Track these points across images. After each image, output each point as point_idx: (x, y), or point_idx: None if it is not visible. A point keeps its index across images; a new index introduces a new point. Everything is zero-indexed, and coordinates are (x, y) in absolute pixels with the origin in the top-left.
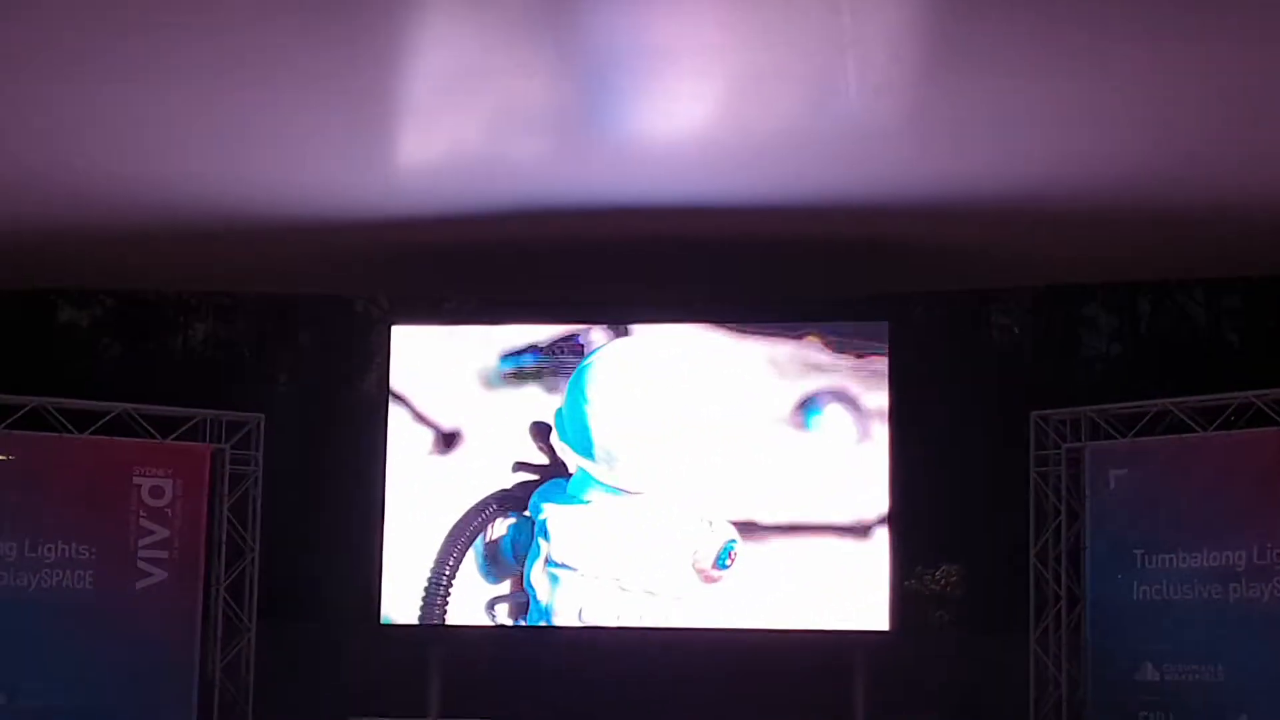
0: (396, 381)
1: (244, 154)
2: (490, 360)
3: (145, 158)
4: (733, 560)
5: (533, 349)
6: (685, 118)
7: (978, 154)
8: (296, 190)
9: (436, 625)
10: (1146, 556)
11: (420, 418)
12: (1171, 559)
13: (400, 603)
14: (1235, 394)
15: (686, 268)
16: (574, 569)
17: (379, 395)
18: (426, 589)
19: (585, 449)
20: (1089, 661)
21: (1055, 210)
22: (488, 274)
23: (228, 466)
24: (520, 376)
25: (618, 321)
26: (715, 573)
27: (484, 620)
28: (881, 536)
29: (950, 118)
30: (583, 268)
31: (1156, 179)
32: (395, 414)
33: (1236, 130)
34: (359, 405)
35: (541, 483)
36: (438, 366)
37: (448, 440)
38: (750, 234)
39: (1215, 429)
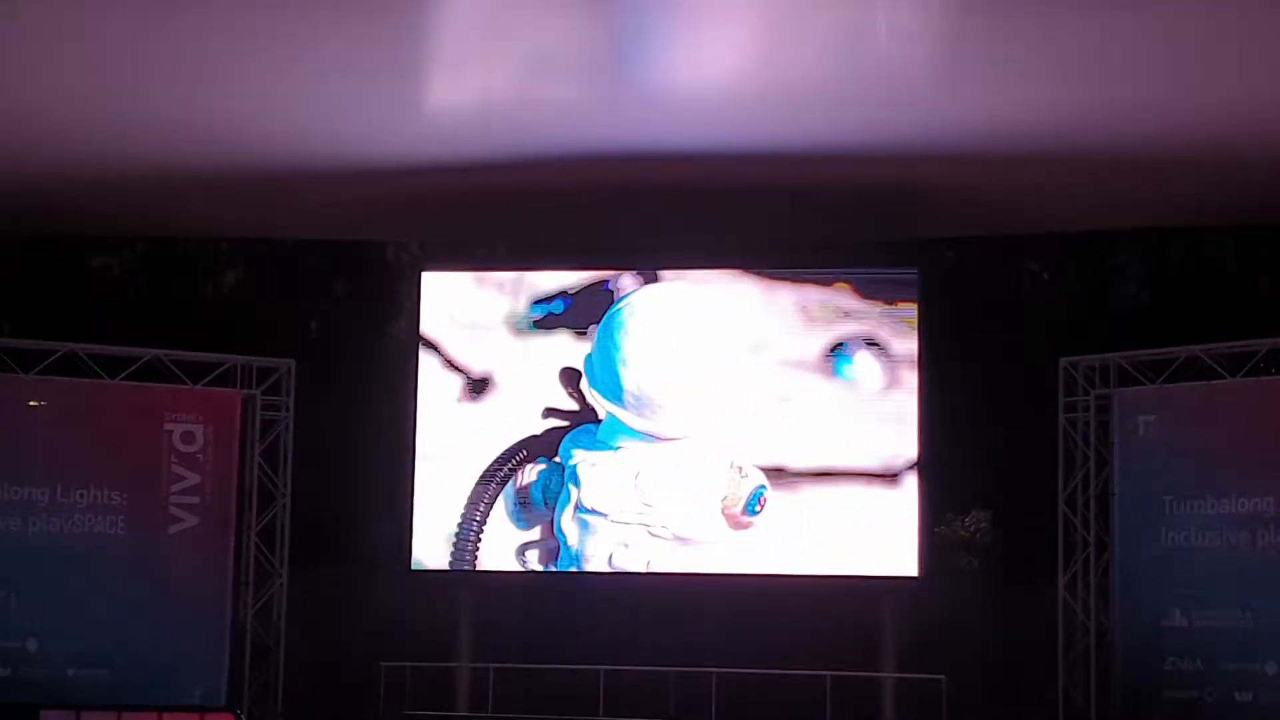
0: (427, 327)
1: (276, 98)
2: (520, 306)
3: (178, 103)
4: (763, 506)
5: (563, 295)
6: (716, 64)
7: (1008, 100)
8: (327, 135)
9: (467, 571)
10: (1175, 503)
11: (450, 364)
12: (1200, 505)
13: (431, 548)
14: (1264, 340)
15: (717, 214)
16: (604, 514)
17: (409, 341)
18: (457, 535)
19: (615, 395)
20: (1117, 608)
21: (1085, 156)
22: (518, 220)
23: (259, 412)
24: (549, 324)
25: (648, 268)
26: (745, 519)
27: (514, 566)
28: (911, 483)
29: (980, 64)
30: (614, 214)
31: (1188, 125)
32: (426, 360)
33: (1271, 78)
34: (390, 351)
35: (572, 429)
36: (468, 312)
37: (478, 386)
38: (780, 180)
39: (1244, 375)
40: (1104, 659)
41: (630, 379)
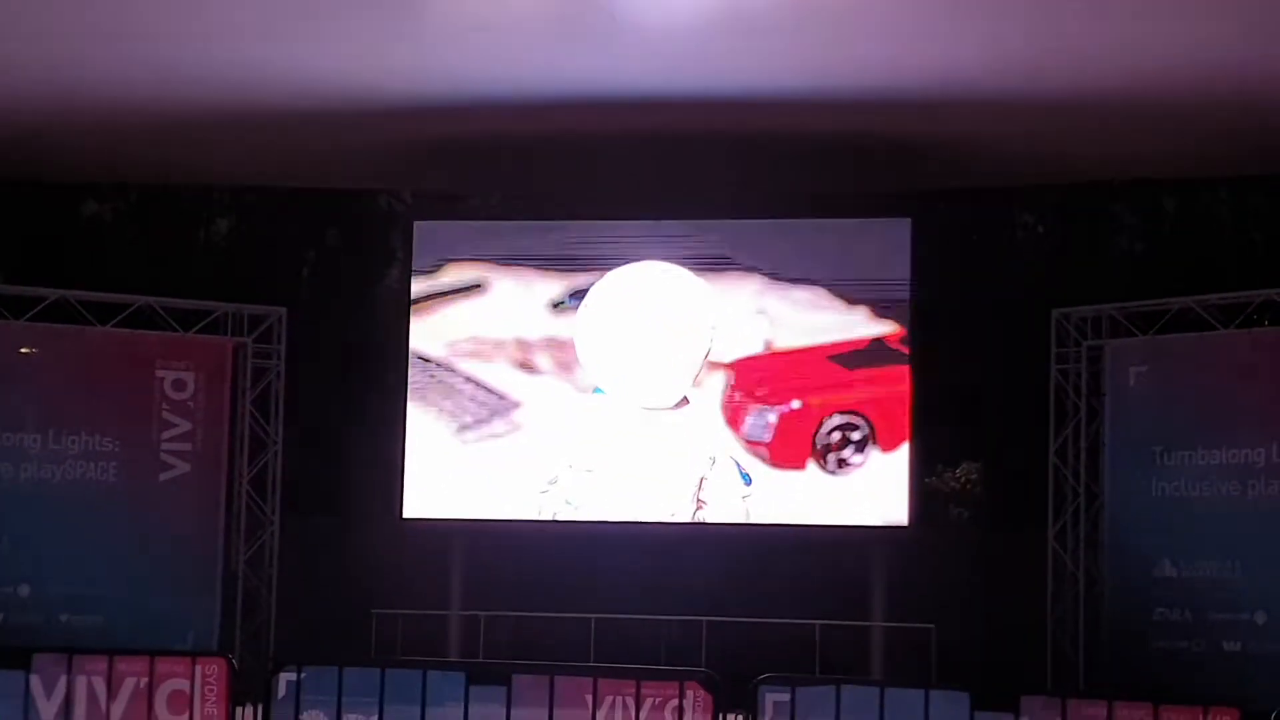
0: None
1: (270, 40)
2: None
3: (170, 45)
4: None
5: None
6: (708, 4)
7: (1003, 47)
8: (320, 78)
9: (458, 520)
10: (1165, 454)
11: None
12: (1190, 456)
13: (422, 496)
14: (1257, 291)
15: (708, 163)
16: (595, 469)
17: (401, 290)
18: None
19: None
20: (1107, 558)
21: (1082, 105)
22: (510, 170)
23: (250, 360)
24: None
25: (641, 217)
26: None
27: (506, 515)
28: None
29: (976, 8)
30: (606, 163)
31: (1185, 74)
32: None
33: (1269, 26)
34: (382, 300)
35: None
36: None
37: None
38: (774, 129)
39: (1237, 327)
40: (1093, 609)
41: (603, 370)
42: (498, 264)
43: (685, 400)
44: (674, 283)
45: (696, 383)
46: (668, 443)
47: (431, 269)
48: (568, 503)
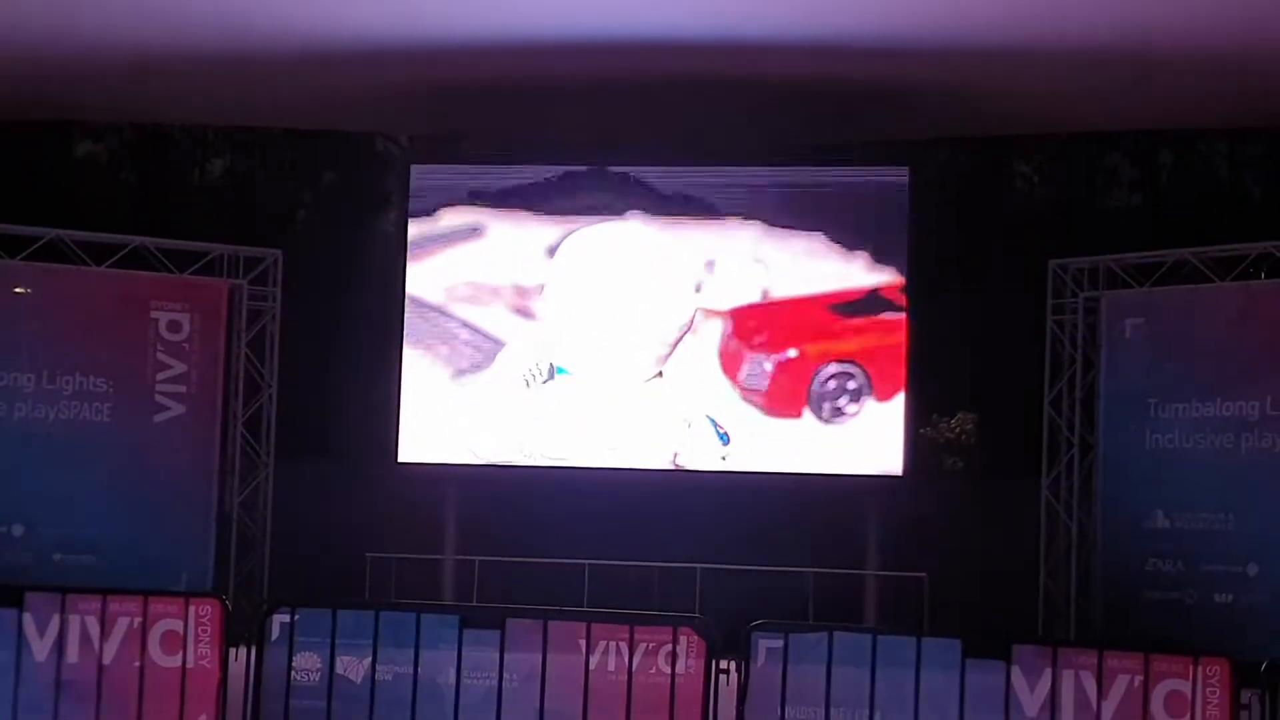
0: (415, 220)
1: None
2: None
3: None
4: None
5: None
6: None
7: None
8: (316, 18)
9: (453, 465)
10: (1159, 405)
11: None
12: (1184, 408)
13: (418, 440)
14: (1254, 244)
15: (705, 109)
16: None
17: (398, 234)
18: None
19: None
20: (1100, 509)
21: (1080, 56)
22: (508, 114)
23: (245, 302)
24: None
25: (640, 162)
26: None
27: (501, 459)
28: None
29: None
30: (604, 106)
31: (1182, 23)
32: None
33: None
34: (378, 243)
35: None
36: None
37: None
38: (773, 75)
39: (1233, 279)
40: (1085, 560)
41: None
42: (495, 209)
43: (659, 374)
44: (647, 251)
45: (669, 359)
46: (639, 418)
47: (428, 213)
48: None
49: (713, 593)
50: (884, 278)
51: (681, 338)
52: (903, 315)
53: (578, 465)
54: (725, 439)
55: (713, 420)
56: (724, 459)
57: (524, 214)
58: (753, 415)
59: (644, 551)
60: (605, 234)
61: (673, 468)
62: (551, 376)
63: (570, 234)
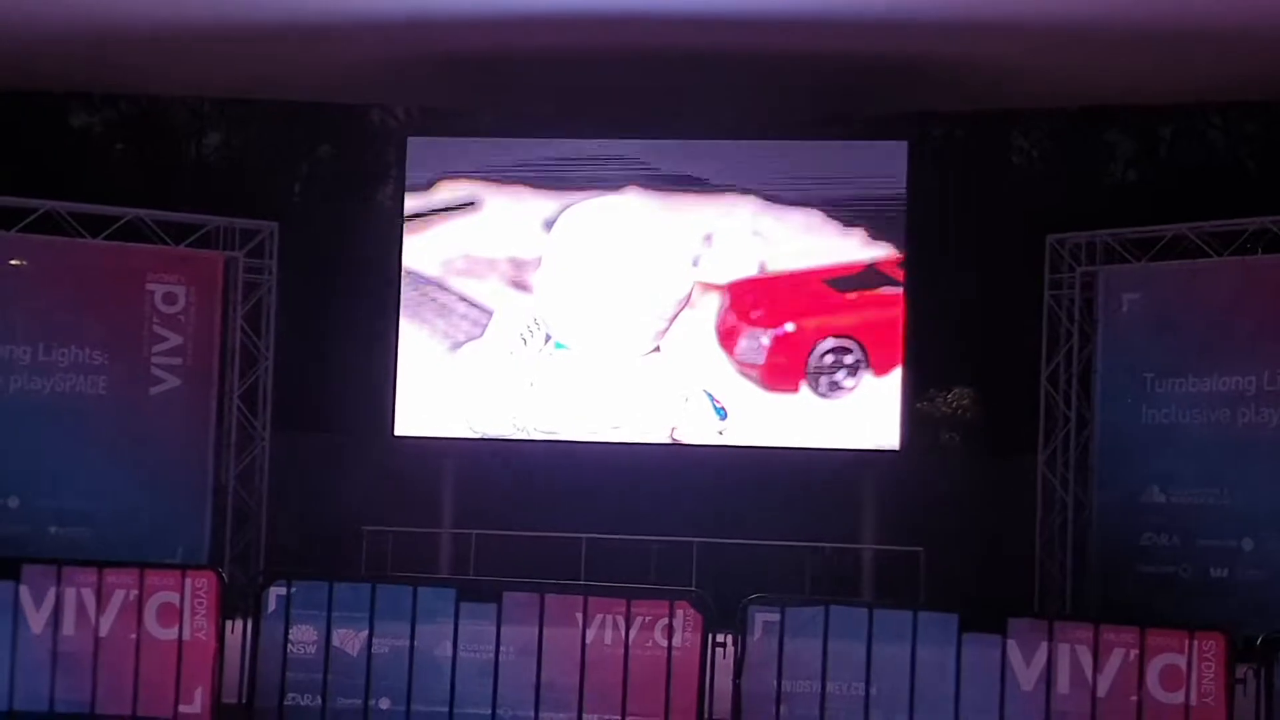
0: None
1: None
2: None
3: None
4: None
5: None
6: None
7: None
8: None
9: (449, 438)
10: (1156, 380)
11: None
12: (1181, 383)
13: (414, 413)
14: (1251, 219)
15: (702, 82)
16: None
17: (394, 207)
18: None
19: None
20: (1096, 483)
21: (1078, 30)
22: (505, 87)
23: (241, 275)
24: None
25: (637, 136)
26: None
27: (497, 433)
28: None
29: None
30: (603, 80)
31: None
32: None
33: None
34: (375, 216)
35: None
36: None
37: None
38: (772, 49)
39: (1230, 254)
40: (1081, 534)
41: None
42: (491, 182)
43: (657, 349)
44: (644, 225)
45: (666, 334)
46: (636, 392)
47: (425, 186)
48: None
49: (710, 567)
50: (881, 252)
51: (679, 312)
52: (900, 290)
53: (575, 439)
54: (723, 414)
55: (710, 395)
56: (721, 433)
57: (521, 187)
58: (750, 390)
59: (641, 525)
60: (603, 207)
61: (670, 442)
62: (547, 338)
63: (567, 207)
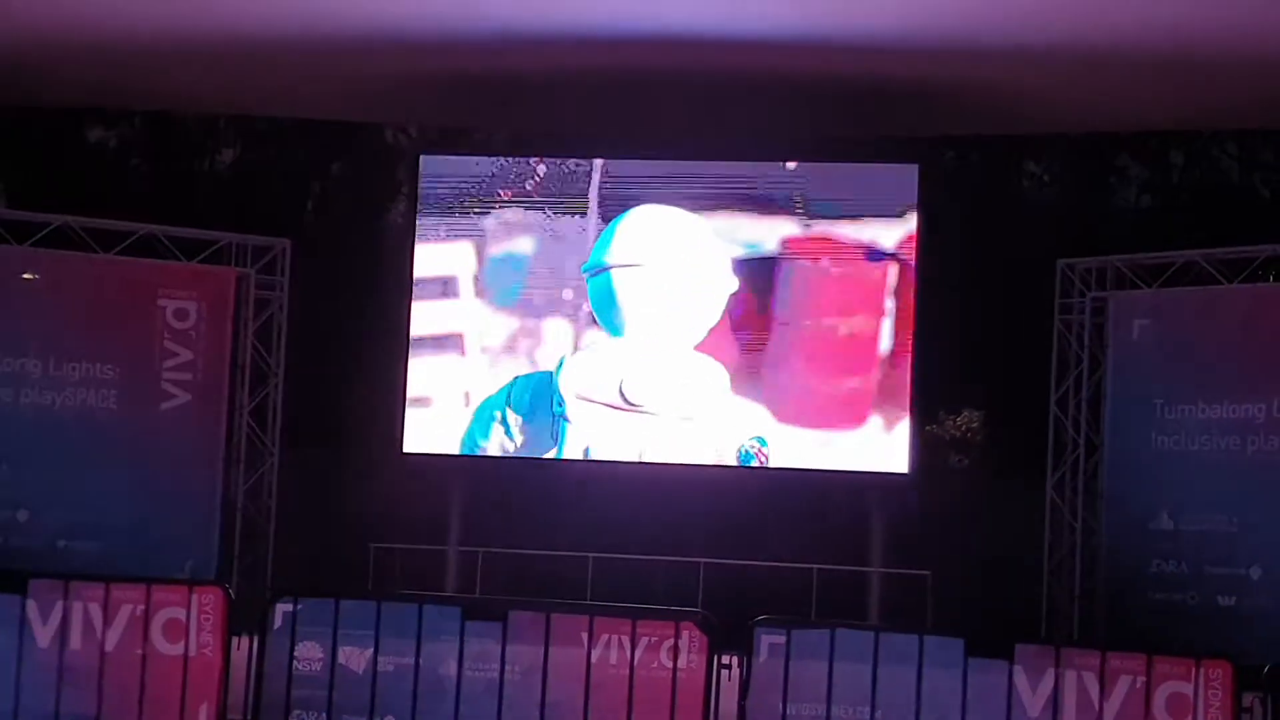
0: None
1: None
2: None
3: None
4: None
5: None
6: None
7: None
8: (327, 8)
9: (458, 456)
10: (1166, 407)
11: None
12: (1191, 410)
13: (423, 431)
14: (1263, 246)
15: (713, 105)
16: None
17: (406, 224)
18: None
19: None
20: (1105, 509)
21: (1090, 55)
22: (517, 106)
23: (253, 291)
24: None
25: (647, 157)
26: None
27: (506, 451)
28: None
29: None
30: (614, 101)
31: (1193, 26)
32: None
33: None
34: (387, 234)
35: None
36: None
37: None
38: (782, 71)
39: (1241, 281)
40: (1089, 560)
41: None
42: (502, 201)
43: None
44: (693, 229)
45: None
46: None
47: (436, 204)
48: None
49: (717, 587)
50: (892, 273)
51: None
52: (910, 313)
53: (583, 458)
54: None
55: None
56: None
57: (534, 208)
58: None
59: (648, 545)
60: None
61: (678, 462)
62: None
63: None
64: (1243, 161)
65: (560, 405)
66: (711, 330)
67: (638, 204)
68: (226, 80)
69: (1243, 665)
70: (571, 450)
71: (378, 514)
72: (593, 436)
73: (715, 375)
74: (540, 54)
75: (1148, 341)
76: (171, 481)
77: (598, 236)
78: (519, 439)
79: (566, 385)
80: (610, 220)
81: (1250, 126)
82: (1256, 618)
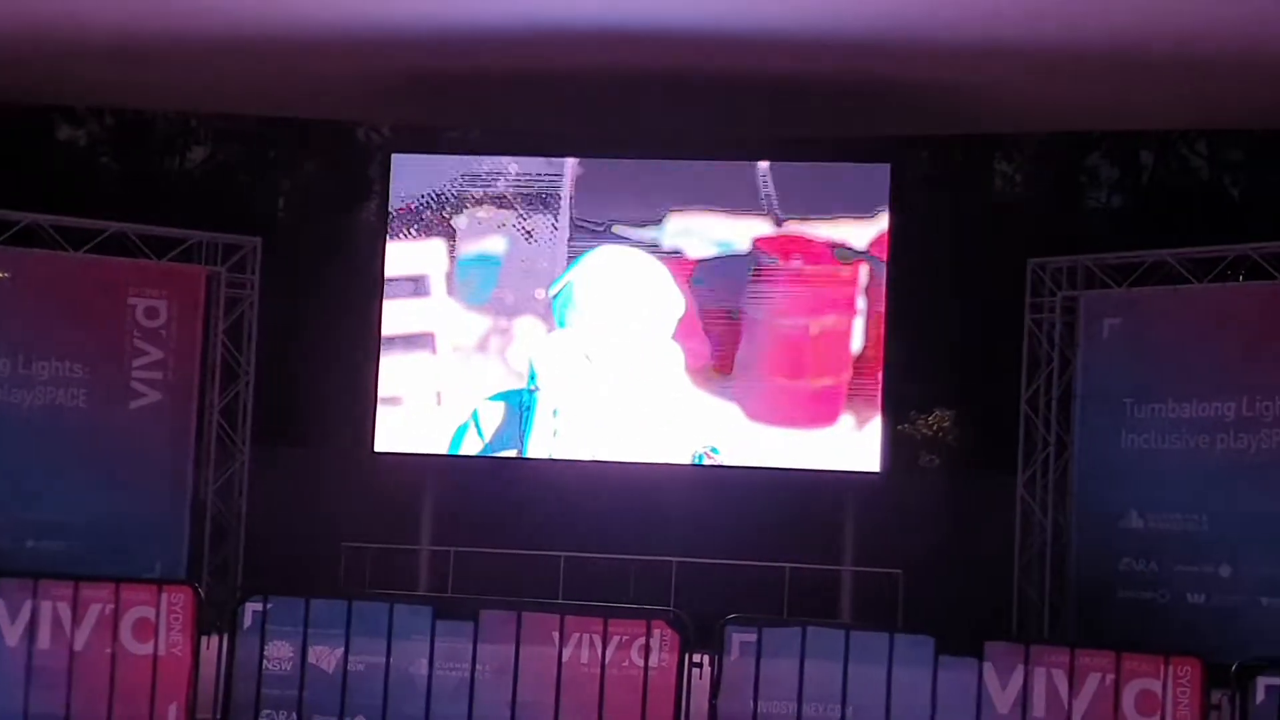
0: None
1: None
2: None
3: None
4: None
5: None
6: None
7: None
8: (298, 6)
9: (429, 455)
10: (1136, 405)
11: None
12: (1161, 409)
13: (394, 432)
14: (1231, 246)
15: (687, 103)
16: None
17: (378, 223)
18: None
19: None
20: (1075, 508)
21: (1062, 56)
22: (489, 105)
23: (223, 289)
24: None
25: (619, 156)
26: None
27: (477, 450)
28: (875, 379)
29: None
30: (586, 99)
31: (1164, 27)
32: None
33: None
34: (358, 232)
35: None
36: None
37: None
38: (756, 70)
39: (1211, 280)
40: (1060, 558)
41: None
42: (474, 201)
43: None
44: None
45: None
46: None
47: (407, 203)
48: (555, 433)
49: (689, 586)
50: (864, 272)
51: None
52: (881, 312)
53: (556, 457)
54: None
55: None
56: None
57: (506, 207)
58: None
59: (621, 544)
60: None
61: (651, 461)
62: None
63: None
64: (1212, 161)
65: (531, 379)
66: (681, 323)
67: (609, 202)
68: (198, 78)
69: (1211, 663)
70: (541, 417)
71: (349, 513)
72: (560, 401)
73: (677, 359)
74: (512, 53)
75: (1118, 341)
76: (141, 480)
77: (569, 236)
78: (488, 434)
79: (536, 353)
80: (581, 223)
81: (1220, 127)
82: (1226, 615)
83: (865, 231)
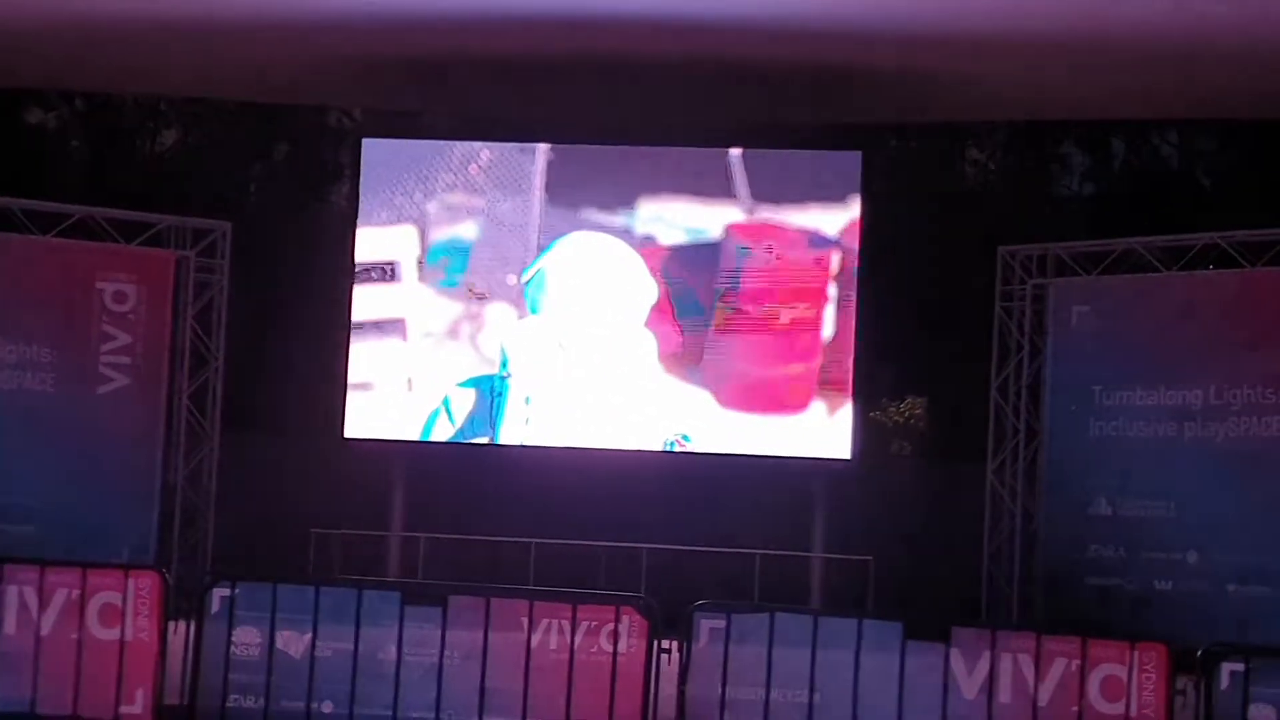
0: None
1: None
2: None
3: None
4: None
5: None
6: None
7: None
8: None
9: (399, 441)
10: (1105, 393)
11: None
12: (1129, 396)
13: (364, 418)
14: (1200, 235)
15: (659, 89)
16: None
17: (349, 208)
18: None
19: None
20: (1044, 495)
21: (1033, 45)
22: (460, 90)
23: (193, 274)
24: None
25: (591, 142)
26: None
27: (448, 436)
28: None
29: None
30: (558, 85)
31: (1136, 16)
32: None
33: None
34: (328, 217)
35: None
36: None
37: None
38: (727, 56)
39: (1179, 269)
40: (1029, 544)
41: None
42: (445, 185)
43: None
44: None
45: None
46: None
47: (378, 188)
48: (527, 421)
49: (659, 573)
50: (835, 259)
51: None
52: (852, 299)
53: (527, 444)
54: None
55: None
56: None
57: (477, 192)
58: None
59: (591, 531)
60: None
61: (622, 448)
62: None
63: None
64: (1183, 150)
65: (503, 366)
66: (652, 311)
67: (581, 188)
68: (168, 62)
69: (1177, 648)
70: (513, 404)
71: (318, 499)
72: (533, 387)
73: (649, 346)
74: (484, 38)
75: (1087, 328)
76: (109, 465)
77: (541, 223)
78: (459, 421)
79: (508, 340)
80: (553, 209)
81: (1191, 116)
82: (1192, 601)
83: (837, 218)
